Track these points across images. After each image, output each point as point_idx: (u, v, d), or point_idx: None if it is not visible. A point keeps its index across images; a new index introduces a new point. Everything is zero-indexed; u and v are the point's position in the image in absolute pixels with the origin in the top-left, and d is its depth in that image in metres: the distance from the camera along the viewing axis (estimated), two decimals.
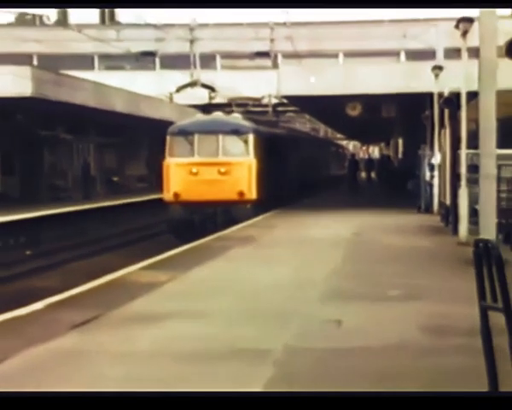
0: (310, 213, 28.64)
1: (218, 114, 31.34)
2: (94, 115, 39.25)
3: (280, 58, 59.18)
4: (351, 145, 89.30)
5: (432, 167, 27.66)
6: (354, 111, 32.11)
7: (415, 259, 16.21)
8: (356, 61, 51.22)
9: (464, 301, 9.70)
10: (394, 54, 57.23)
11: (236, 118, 31.50)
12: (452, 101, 22.52)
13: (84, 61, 57.68)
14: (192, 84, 46.83)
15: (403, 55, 58.14)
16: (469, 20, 18.77)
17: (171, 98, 49.55)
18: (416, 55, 51.16)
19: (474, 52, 16.22)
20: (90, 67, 58.33)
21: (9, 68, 32.43)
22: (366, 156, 77.82)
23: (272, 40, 60.21)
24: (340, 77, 30.07)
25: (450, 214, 21.52)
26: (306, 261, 16.08)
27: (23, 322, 10.30)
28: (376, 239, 19.87)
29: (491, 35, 14.64)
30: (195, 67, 54.69)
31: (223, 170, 28.35)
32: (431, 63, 28.66)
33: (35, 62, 56.01)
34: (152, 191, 39.86)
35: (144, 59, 55.13)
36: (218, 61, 60.91)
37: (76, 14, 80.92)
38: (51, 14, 65.14)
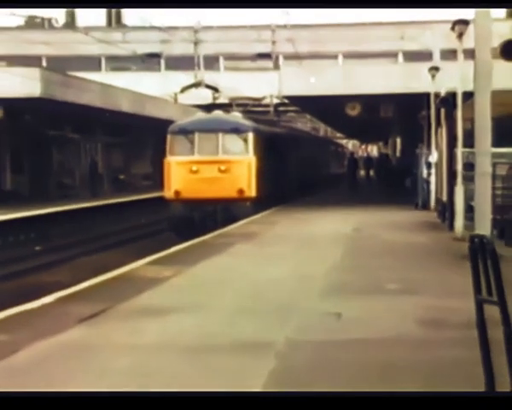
0: (310, 210, 28.64)
1: (218, 113, 31.06)
2: (101, 115, 39.27)
3: (281, 59, 59.11)
4: (350, 144, 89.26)
5: (429, 165, 27.67)
6: (353, 111, 32.09)
7: (412, 254, 16.22)
8: (355, 62, 51.13)
9: (460, 295, 9.70)
10: (392, 55, 57.14)
11: (236, 117, 31.21)
12: (448, 101, 22.50)
13: (91, 62, 57.66)
14: (196, 85, 46.77)
15: (400, 57, 58.06)
16: (465, 23, 18.76)
17: (175, 98, 49.54)
18: (413, 57, 51.09)
19: (470, 53, 16.23)
20: (97, 68, 58.31)
21: (19, 70, 32.45)
22: (365, 155, 77.73)
23: (274, 42, 60.18)
24: (339, 77, 30.07)
25: (446, 211, 21.53)
26: (307, 256, 16.09)
27: (33, 315, 10.33)
28: (375, 235, 19.88)
29: (486, 37, 14.63)
30: (199, 68, 54.66)
31: (223, 168, 28.18)
32: (428, 64, 28.65)
33: (44, 64, 56.02)
34: (157, 189, 39.86)
35: (150, 60, 55.12)
36: (222, 62, 60.87)
37: (83, 17, 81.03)
38: (59, 17, 65.21)
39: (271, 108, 47.22)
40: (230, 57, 60.16)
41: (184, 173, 28.21)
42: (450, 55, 29.16)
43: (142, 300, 11.31)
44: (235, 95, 40.71)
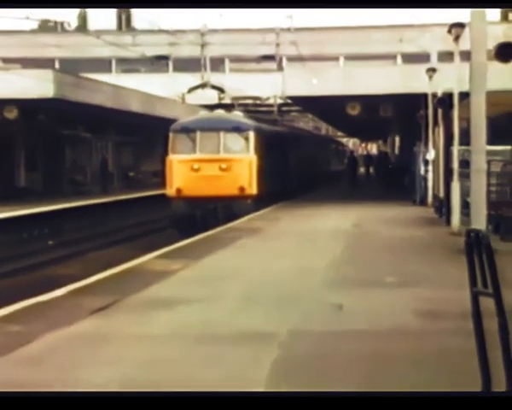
0: (312, 207, 28.62)
1: (219, 112, 30.80)
2: (112, 115, 39.29)
3: (285, 61, 59.11)
4: (350, 142, 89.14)
5: (426, 163, 27.66)
6: (354, 110, 32.05)
7: (410, 248, 16.22)
8: (355, 63, 51.10)
9: (456, 287, 9.70)
10: (391, 57, 57.08)
11: (237, 116, 30.88)
12: (445, 101, 22.49)
13: (102, 64, 57.68)
14: (202, 86, 46.72)
15: (399, 59, 57.99)
16: (461, 26, 18.74)
17: (183, 99, 49.54)
18: (411, 59, 50.99)
19: (466, 55, 16.22)
20: (108, 70, 58.34)
21: (33, 72, 32.49)
22: (365, 153, 77.67)
23: (278, 45, 60.16)
24: (340, 79, 30.07)
25: (443, 207, 21.52)
26: (309, 251, 16.09)
27: (47, 307, 10.34)
28: (374, 230, 19.87)
29: (481, 39, 14.62)
30: (206, 69, 54.67)
31: (224, 166, 27.82)
32: (425, 66, 28.65)
33: (57, 66, 56.06)
34: (165, 186, 39.83)
35: (158, 62, 55.14)
36: (227, 64, 60.88)
37: (95, 21, 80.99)
38: (72, 20, 65.23)
39: (275, 108, 47.16)
40: (236, 59, 60.16)
41: (186, 171, 27.87)
42: (446, 57, 29.16)
43: (151, 292, 11.32)
44: (239, 95, 40.64)
